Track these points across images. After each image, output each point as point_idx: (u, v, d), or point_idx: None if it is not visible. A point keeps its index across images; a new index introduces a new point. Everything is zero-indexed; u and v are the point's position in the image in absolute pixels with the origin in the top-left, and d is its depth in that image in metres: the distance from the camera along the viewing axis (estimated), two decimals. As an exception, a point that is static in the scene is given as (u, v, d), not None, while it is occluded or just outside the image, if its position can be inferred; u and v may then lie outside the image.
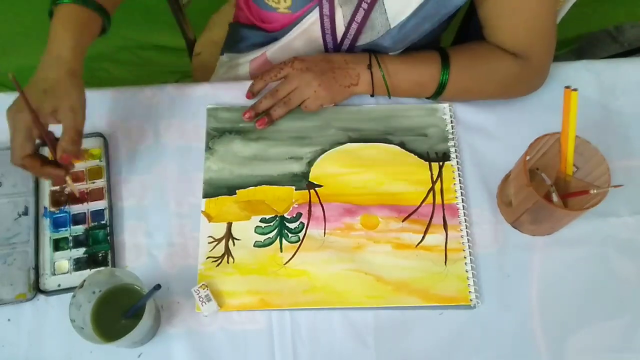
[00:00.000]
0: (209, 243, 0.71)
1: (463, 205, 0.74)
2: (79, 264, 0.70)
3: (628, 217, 0.74)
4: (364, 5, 0.71)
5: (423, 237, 0.72)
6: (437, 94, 0.77)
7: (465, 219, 0.73)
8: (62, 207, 0.73)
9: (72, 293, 0.59)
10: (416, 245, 0.72)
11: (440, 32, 0.82)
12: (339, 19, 0.74)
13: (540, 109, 0.80)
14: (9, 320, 0.67)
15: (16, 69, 1.31)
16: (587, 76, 0.83)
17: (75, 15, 0.62)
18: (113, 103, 0.79)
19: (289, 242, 0.72)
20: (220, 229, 0.72)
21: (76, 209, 0.73)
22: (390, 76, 0.76)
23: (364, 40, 0.77)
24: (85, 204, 0.73)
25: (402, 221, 0.73)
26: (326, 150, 0.77)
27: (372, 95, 0.78)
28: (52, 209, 0.72)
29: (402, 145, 0.77)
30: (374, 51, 0.78)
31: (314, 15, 0.75)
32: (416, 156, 0.77)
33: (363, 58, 0.76)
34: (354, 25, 0.74)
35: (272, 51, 0.83)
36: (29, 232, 0.71)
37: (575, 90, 0.64)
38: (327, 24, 0.75)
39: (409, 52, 0.78)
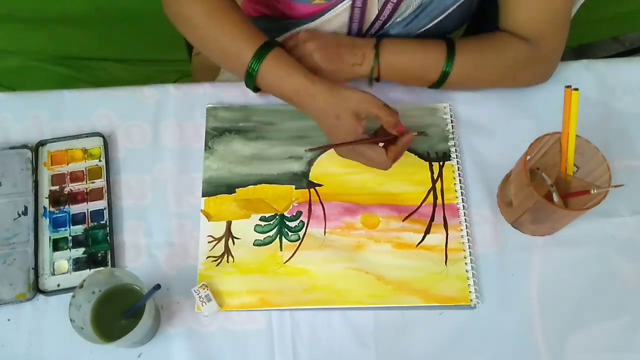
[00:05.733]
0: (209, 242, 0.71)
1: (463, 205, 0.74)
2: (78, 264, 0.70)
3: (628, 217, 0.74)
4: None
5: (423, 237, 0.72)
6: (440, 82, 0.76)
7: (465, 219, 0.73)
8: (62, 207, 0.73)
9: (71, 293, 0.59)
10: (416, 245, 0.72)
11: (460, 21, 0.81)
12: (373, 4, 0.73)
13: (541, 109, 0.80)
14: (8, 320, 0.67)
15: (16, 69, 1.31)
16: (587, 76, 0.83)
17: (280, 52, 0.70)
18: (113, 103, 0.79)
19: (289, 240, 0.72)
20: (219, 228, 0.72)
21: (75, 209, 0.73)
22: (392, 59, 0.74)
23: (393, 22, 0.77)
24: (84, 204, 0.73)
25: (403, 221, 0.73)
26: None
27: (374, 80, 0.76)
28: (52, 209, 0.72)
29: (402, 145, 0.77)
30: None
31: (347, 3, 0.74)
32: (416, 156, 0.77)
33: (370, 40, 0.76)
34: (389, 6, 0.74)
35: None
36: (29, 232, 0.71)
37: (576, 90, 0.64)
38: (357, 14, 0.75)
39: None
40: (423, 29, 0.78)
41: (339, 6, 0.74)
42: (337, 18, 0.76)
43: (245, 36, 0.70)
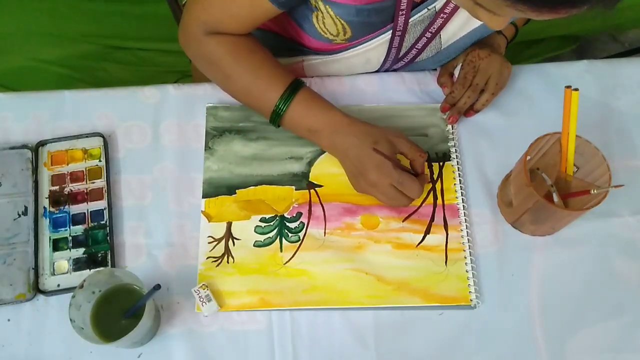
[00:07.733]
0: (209, 243, 0.71)
1: (463, 205, 0.74)
2: (78, 264, 0.70)
3: (629, 217, 0.74)
4: (427, 35, 0.73)
5: (423, 237, 0.72)
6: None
7: (465, 219, 0.73)
8: (62, 207, 0.73)
9: (71, 293, 0.59)
10: (416, 245, 0.72)
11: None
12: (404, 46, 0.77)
13: (541, 109, 0.80)
14: (8, 320, 0.67)
15: (16, 69, 1.31)
16: (587, 76, 0.83)
17: (310, 91, 0.72)
18: (113, 103, 0.79)
19: (289, 241, 0.72)
20: (220, 229, 0.72)
21: (75, 209, 0.73)
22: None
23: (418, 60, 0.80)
24: (84, 204, 0.73)
25: (403, 221, 0.73)
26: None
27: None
28: (52, 209, 0.72)
29: (402, 145, 0.77)
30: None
31: (376, 42, 0.75)
32: (416, 156, 0.77)
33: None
34: (413, 51, 0.77)
35: (312, 63, 0.83)
36: (29, 232, 0.71)
37: (576, 90, 0.64)
38: (393, 53, 0.77)
39: None
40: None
41: (367, 43, 0.75)
42: (369, 53, 0.77)
43: (271, 76, 0.71)
